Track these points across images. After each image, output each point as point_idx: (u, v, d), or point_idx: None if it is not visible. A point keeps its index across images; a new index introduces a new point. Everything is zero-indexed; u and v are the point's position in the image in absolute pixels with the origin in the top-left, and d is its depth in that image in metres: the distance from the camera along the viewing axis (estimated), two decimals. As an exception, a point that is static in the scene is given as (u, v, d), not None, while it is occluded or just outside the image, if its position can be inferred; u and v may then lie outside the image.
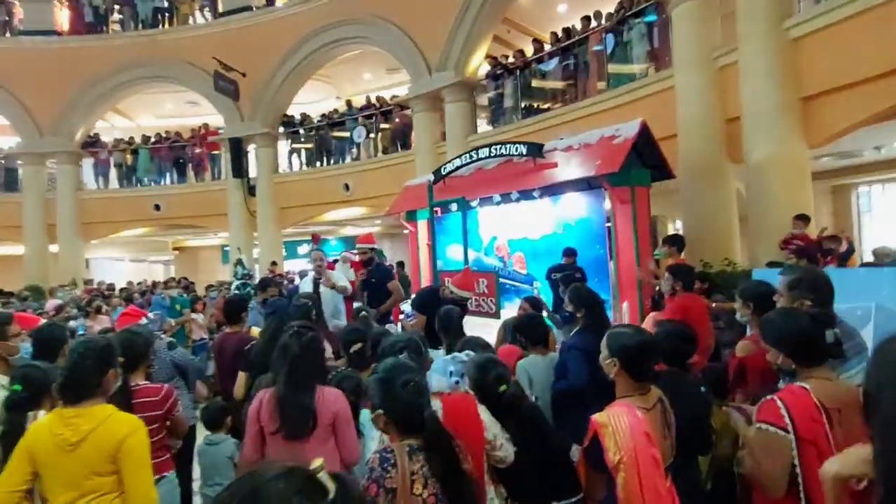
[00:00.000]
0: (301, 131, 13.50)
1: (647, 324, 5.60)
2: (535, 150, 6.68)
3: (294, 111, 13.98)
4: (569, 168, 6.28)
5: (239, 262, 8.81)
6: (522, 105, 9.96)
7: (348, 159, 12.83)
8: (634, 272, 5.73)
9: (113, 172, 14.59)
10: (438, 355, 3.30)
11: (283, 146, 13.77)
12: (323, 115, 13.46)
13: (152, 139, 14.63)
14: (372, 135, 12.48)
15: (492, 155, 7.20)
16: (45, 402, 2.30)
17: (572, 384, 3.05)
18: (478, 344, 2.83)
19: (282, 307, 4.59)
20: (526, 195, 6.92)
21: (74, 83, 13.75)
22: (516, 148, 6.92)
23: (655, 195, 6.17)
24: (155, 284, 8.07)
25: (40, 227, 13.83)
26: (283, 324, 3.86)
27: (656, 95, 7.34)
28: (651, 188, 6.02)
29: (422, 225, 8.46)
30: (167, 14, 14.14)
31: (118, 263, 18.73)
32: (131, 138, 14.95)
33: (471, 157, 7.41)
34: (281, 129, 13.59)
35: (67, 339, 2.90)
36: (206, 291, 9.42)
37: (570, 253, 6.51)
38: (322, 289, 5.58)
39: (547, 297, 6.30)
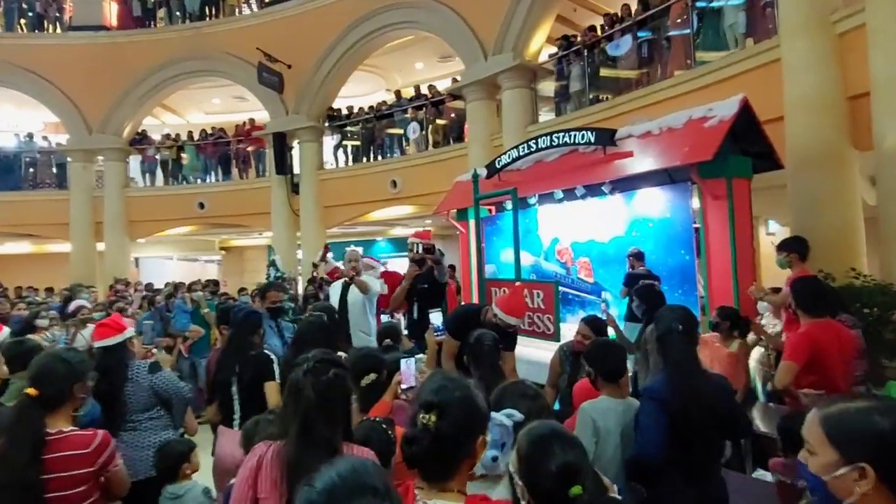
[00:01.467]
0: (348, 125, 13.12)
1: (752, 359, 4.70)
2: (606, 137, 5.86)
3: (342, 105, 13.65)
4: (647, 158, 5.43)
5: (272, 264, 8.41)
6: (590, 91, 9.10)
7: (396, 154, 12.34)
8: (730, 284, 4.82)
9: (160, 170, 14.74)
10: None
11: (329, 142, 13.45)
12: (371, 108, 13.04)
13: (197, 136, 14.67)
14: (423, 132, 11.93)
15: (554, 144, 6.43)
16: None
17: (640, 454, 2.36)
18: (524, 394, 1.97)
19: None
20: (594, 191, 6.11)
21: (122, 79, 13.97)
22: (583, 135, 6.12)
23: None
24: (177, 286, 7.73)
25: (87, 225, 14.12)
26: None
27: (756, 71, 6.34)
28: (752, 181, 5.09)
29: (473, 225, 7.80)
30: (214, 6, 14.14)
31: (167, 263, 19.13)
32: (177, 135, 15.08)
33: (529, 147, 6.67)
34: (326, 124, 13.26)
35: None
36: (238, 295, 9.11)
37: (639, 256, 5.65)
38: (351, 297, 4.98)
39: (621, 311, 5.48)
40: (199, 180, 14.48)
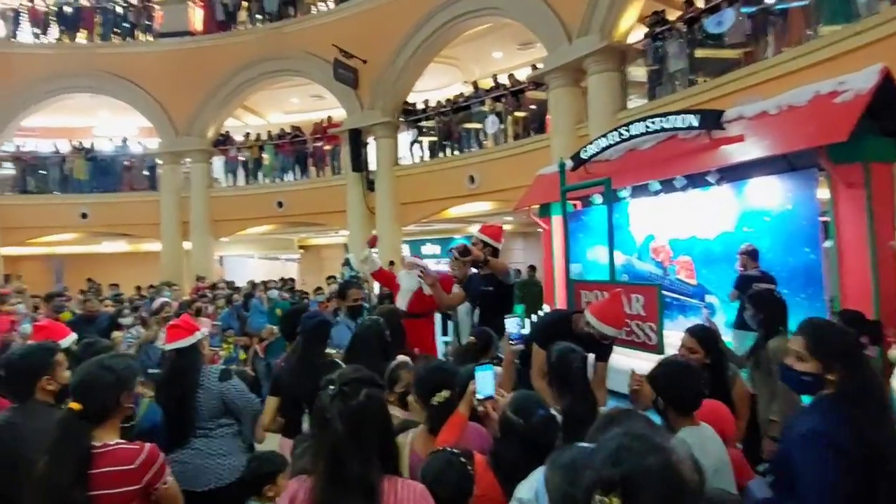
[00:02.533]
0: (424, 119, 13.04)
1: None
2: (712, 119, 5.31)
3: (417, 99, 13.59)
4: (761, 142, 4.86)
5: (346, 263, 8.40)
6: (688, 72, 8.44)
7: (474, 148, 12.11)
8: (868, 287, 4.18)
9: (241, 170, 15.36)
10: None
11: (405, 138, 13.43)
12: (447, 101, 12.88)
13: (275, 135, 15.15)
14: (502, 125, 11.63)
15: (650, 130, 5.94)
16: None
17: None
18: (636, 437, 1.57)
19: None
20: (696, 181, 5.59)
21: (206, 82, 14.65)
22: (683, 119, 5.60)
23: None
24: (256, 286, 7.88)
25: (175, 225, 14.95)
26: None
27: (894, 39, 5.54)
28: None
29: (557, 221, 7.41)
30: (292, 5, 14.52)
31: (249, 261, 20.01)
32: (258, 135, 15.64)
33: (621, 135, 6.21)
34: (402, 119, 13.25)
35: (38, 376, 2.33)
36: (313, 294, 9.21)
37: (753, 255, 5.06)
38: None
39: (729, 317, 4.95)
40: (277, 179, 14.95)
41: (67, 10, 15.58)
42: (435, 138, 12.98)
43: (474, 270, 4.49)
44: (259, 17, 14.91)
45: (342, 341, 3.87)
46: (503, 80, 12.16)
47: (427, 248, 15.76)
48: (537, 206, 7.84)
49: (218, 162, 15.60)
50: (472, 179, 11.61)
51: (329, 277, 10.87)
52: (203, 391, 2.86)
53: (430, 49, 12.57)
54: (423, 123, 13.06)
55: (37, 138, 17.44)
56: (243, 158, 15.32)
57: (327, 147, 14.59)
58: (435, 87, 15.05)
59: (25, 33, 15.59)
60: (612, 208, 4.85)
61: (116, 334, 6.06)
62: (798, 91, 4.79)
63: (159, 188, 15.31)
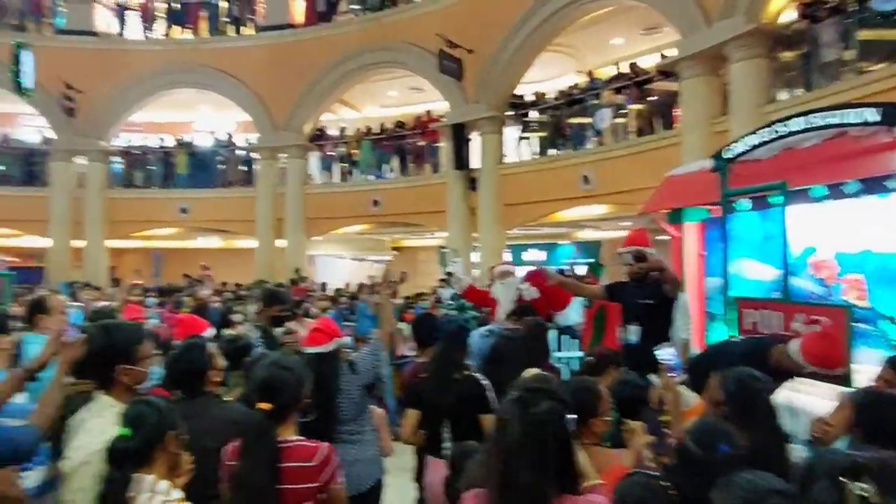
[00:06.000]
0: (533, 113, 12.97)
1: None
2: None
3: (526, 91, 13.54)
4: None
5: (443, 263, 8.46)
6: (850, 59, 7.84)
7: (589, 145, 11.89)
8: None
9: (336, 166, 15.98)
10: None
11: (511, 133, 13.41)
12: (560, 93, 12.74)
13: (372, 130, 15.62)
14: (620, 119, 11.34)
15: (813, 126, 5.54)
16: (159, 460, 1.87)
17: None
18: None
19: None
20: (874, 186, 5.14)
21: (304, 75, 15.39)
22: (858, 114, 5.18)
23: None
24: (361, 287, 8.15)
25: (270, 222, 15.78)
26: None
27: None
28: None
29: (690, 228, 7.11)
30: (394, -6, 14.94)
31: (340, 261, 20.76)
32: (358, 130, 16.20)
33: (777, 130, 5.84)
34: (509, 113, 13.24)
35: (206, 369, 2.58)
36: (415, 300, 9.39)
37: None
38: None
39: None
40: (373, 177, 15.39)
41: (175, 6, 16.91)
42: (544, 134, 12.87)
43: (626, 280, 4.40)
44: (360, 6, 15.45)
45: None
46: (624, 68, 11.84)
47: (530, 254, 15.63)
48: (666, 212, 7.56)
49: (313, 158, 16.31)
50: (585, 180, 11.39)
51: (442, 280, 11.10)
52: (343, 396, 3.02)
53: (543, 36, 12.48)
54: (532, 117, 12.98)
55: (142, 133, 19.04)
56: (334, 154, 15.89)
57: (421, 143, 14.85)
58: (546, 77, 14.90)
59: (133, 30, 17.07)
60: (783, 216, 4.59)
61: (228, 331, 6.49)
62: None
63: (256, 184, 16.22)
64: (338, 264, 20.16)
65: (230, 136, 17.64)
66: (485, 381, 3.22)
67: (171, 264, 17.15)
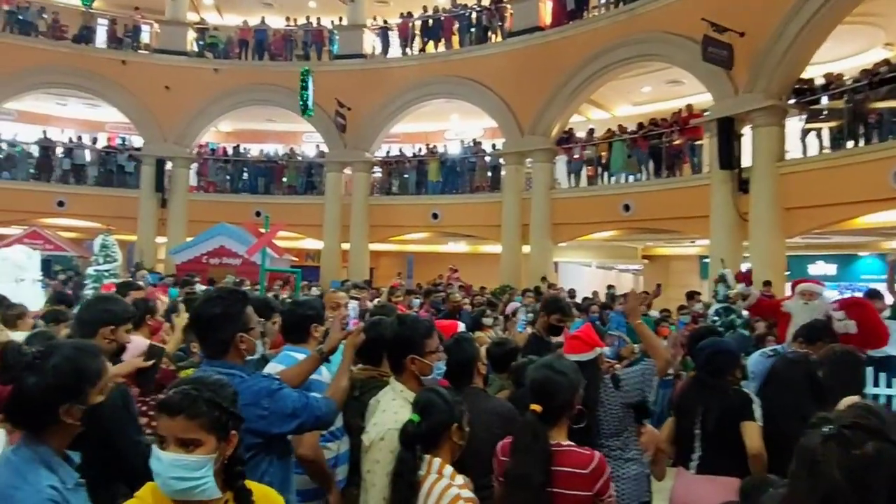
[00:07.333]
0: (824, 99, 11.27)
1: None
2: None
3: (816, 73, 11.82)
4: None
5: (722, 279, 7.70)
6: None
7: None
8: None
9: (584, 170, 15.69)
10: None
11: (794, 125, 11.82)
12: (863, 72, 10.87)
13: (625, 129, 15.04)
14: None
15: None
16: (444, 447, 2.10)
17: None
18: None
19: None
20: None
21: (552, 77, 15.40)
22: None
23: None
24: (614, 298, 7.78)
25: (516, 227, 16.08)
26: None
27: None
28: None
29: None
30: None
31: (584, 269, 20.44)
32: (608, 130, 15.75)
33: None
34: (792, 101, 11.67)
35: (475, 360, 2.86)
36: (676, 314, 8.77)
37: None
38: None
39: None
40: (625, 179, 14.79)
41: (430, 22, 18.27)
42: (836, 123, 11.08)
43: None
44: (612, 1, 15.00)
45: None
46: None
47: (818, 267, 13.56)
48: None
49: (560, 162, 16.25)
50: (897, 176, 9.49)
51: (692, 293, 10.24)
52: (603, 409, 3.05)
53: (840, 6, 10.76)
54: (823, 104, 11.26)
55: (399, 143, 20.96)
56: (582, 157, 15.61)
57: (679, 141, 13.86)
58: (841, 55, 12.89)
59: (394, 49, 18.87)
60: None
61: (479, 334, 6.62)
62: None
63: (502, 189, 16.70)
64: (582, 272, 19.87)
65: (477, 142, 18.44)
66: (752, 396, 3.23)
67: (421, 267, 18.55)
